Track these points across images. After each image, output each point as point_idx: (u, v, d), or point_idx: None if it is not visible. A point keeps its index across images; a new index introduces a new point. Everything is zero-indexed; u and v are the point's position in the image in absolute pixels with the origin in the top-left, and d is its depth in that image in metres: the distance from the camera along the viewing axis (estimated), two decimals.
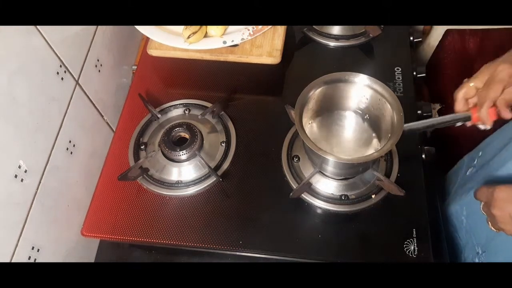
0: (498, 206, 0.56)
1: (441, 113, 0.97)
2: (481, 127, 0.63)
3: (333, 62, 0.88)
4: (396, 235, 0.68)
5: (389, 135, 0.65)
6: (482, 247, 0.74)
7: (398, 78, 0.85)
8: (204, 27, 0.81)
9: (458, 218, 0.80)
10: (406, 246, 0.66)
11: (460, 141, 0.98)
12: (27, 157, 0.63)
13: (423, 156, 0.75)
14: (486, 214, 0.60)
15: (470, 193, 0.77)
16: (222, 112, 0.82)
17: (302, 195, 0.71)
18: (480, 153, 0.81)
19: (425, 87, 1.10)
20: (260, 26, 0.82)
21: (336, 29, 0.91)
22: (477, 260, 0.75)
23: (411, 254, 0.66)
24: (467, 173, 0.82)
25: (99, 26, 0.83)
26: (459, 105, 0.64)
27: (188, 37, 0.79)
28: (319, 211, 0.71)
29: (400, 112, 0.64)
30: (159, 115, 0.82)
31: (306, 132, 0.66)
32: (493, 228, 0.60)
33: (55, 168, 0.70)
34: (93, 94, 0.82)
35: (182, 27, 0.81)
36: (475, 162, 0.81)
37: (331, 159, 0.63)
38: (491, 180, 0.73)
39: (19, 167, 0.62)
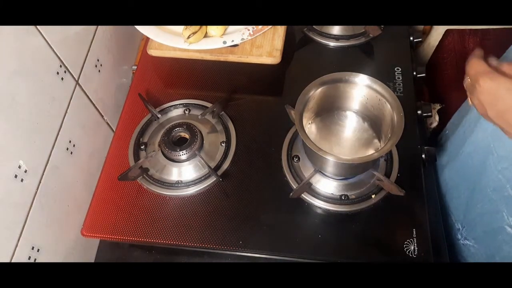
0: (481, 93, 0.52)
1: (441, 113, 0.97)
2: None
3: (333, 62, 0.88)
4: (396, 235, 0.68)
5: (389, 135, 0.65)
6: (461, 223, 0.75)
7: (398, 78, 0.85)
8: (204, 27, 0.81)
9: (441, 198, 0.81)
10: (406, 246, 0.66)
11: None
12: (27, 157, 0.63)
13: (423, 156, 0.75)
14: (467, 89, 0.56)
15: (443, 172, 0.79)
16: (222, 112, 0.82)
17: (302, 195, 0.71)
18: (447, 131, 0.82)
19: (425, 87, 1.10)
20: (260, 26, 0.82)
21: (336, 29, 0.91)
22: (459, 236, 0.77)
23: (411, 254, 0.66)
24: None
25: (99, 26, 0.83)
26: None
27: (188, 37, 0.79)
28: (319, 211, 0.71)
29: (400, 112, 0.64)
30: (159, 115, 0.82)
31: (306, 132, 0.66)
32: (470, 102, 0.56)
33: (55, 168, 0.70)
34: (93, 94, 0.82)
35: (182, 27, 0.81)
36: (441, 140, 0.82)
37: (331, 159, 0.63)
38: (456, 157, 0.74)
39: (19, 167, 0.62)
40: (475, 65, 0.53)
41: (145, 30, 0.83)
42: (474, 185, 0.72)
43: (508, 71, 0.51)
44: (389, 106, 0.66)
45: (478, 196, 0.71)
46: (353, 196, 0.71)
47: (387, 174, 0.73)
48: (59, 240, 0.73)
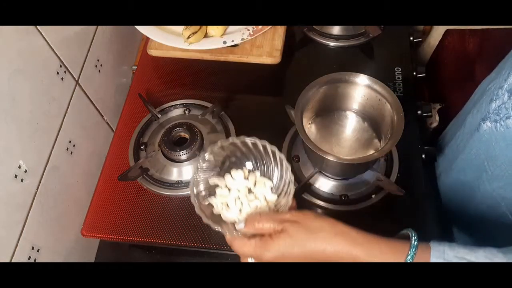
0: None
1: (441, 113, 0.97)
2: None
3: (333, 62, 0.88)
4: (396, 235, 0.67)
5: (389, 135, 0.65)
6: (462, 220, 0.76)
7: (398, 78, 0.85)
8: (204, 27, 0.81)
9: (439, 195, 0.82)
10: None
11: None
12: (27, 157, 0.63)
13: (423, 156, 0.75)
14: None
15: (440, 177, 0.79)
16: (222, 112, 0.82)
17: (302, 195, 0.71)
18: (441, 140, 0.83)
19: (425, 87, 1.10)
20: (260, 26, 0.82)
21: (336, 29, 0.91)
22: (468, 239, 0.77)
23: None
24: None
25: (99, 26, 0.83)
26: None
27: (188, 37, 0.79)
28: (319, 211, 0.71)
29: (400, 112, 0.64)
30: (159, 115, 0.82)
31: (306, 132, 0.66)
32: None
33: (55, 168, 0.70)
34: (93, 94, 0.82)
35: (182, 27, 0.81)
36: (439, 143, 0.84)
37: (331, 159, 0.63)
38: (449, 170, 0.75)
39: (19, 167, 0.62)
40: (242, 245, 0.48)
41: (145, 30, 0.83)
42: (468, 198, 0.71)
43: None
44: (389, 106, 0.66)
45: (472, 211, 0.71)
46: (353, 196, 0.71)
47: (387, 174, 0.73)
48: (59, 240, 0.73)
